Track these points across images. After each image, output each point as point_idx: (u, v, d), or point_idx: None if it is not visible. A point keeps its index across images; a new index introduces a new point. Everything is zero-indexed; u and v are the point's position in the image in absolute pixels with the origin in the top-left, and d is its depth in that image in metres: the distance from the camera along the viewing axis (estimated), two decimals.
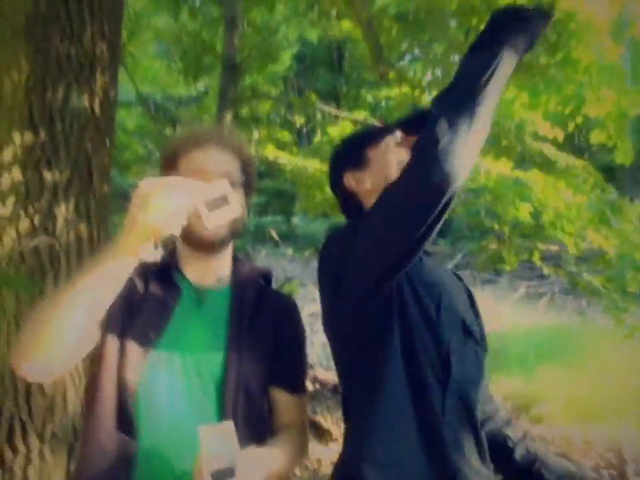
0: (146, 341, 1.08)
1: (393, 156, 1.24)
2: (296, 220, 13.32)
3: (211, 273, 1.21)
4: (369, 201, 1.21)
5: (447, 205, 1.01)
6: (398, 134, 1.26)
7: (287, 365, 1.21)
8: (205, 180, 1.13)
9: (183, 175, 1.14)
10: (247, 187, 1.23)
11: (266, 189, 13.22)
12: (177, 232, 0.92)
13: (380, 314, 1.08)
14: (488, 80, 1.00)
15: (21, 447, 2.14)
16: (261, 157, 4.84)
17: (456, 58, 3.86)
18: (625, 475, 3.49)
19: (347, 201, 1.30)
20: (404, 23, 3.58)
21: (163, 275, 1.17)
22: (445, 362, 1.10)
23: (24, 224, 2.10)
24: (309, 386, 4.91)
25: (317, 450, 3.67)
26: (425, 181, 0.98)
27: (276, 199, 13.81)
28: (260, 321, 1.18)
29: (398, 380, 1.07)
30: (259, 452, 1.01)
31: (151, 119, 6.17)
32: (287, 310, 1.28)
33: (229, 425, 0.94)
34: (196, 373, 1.10)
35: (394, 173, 1.20)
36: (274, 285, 1.36)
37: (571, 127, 3.08)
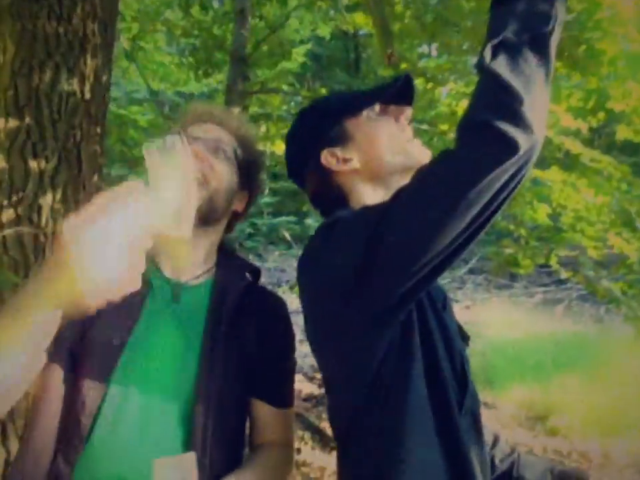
0: (109, 353, 0.93)
1: (379, 128, 1.05)
2: (309, 220, 13.20)
3: (189, 262, 1.06)
4: (357, 186, 1.03)
5: (519, 180, 0.81)
6: (376, 104, 1.07)
7: (271, 375, 1.06)
8: (194, 147, 1.02)
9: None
10: (247, 166, 1.12)
11: (279, 189, 13.12)
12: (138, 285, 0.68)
13: (400, 326, 0.90)
14: (552, 30, 0.82)
15: (0, 449, 2.02)
16: (271, 153, 4.71)
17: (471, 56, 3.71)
18: None
19: (323, 189, 1.07)
20: (419, 19, 3.44)
21: None
22: (460, 374, 0.95)
23: (7, 213, 1.98)
24: (315, 390, 4.76)
25: (320, 458, 3.53)
26: (499, 141, 0.76)
27: (289, 200, 13.71)
28: (242, 323, 1.03)
29: (421, 401, 0.90)
30: None
31: (161, 116, 6.07)
32: (275, 311, 1.12)
33: (189, 457, 0.80)
34: (163, 385, 0.95)
35: (385, 147, 1.04)
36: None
37: (594, 122, 2.91)
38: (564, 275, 3.93)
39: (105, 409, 0.91)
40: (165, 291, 1.03)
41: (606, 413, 4.20)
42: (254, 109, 5.70)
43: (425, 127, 3.99)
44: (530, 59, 0.80)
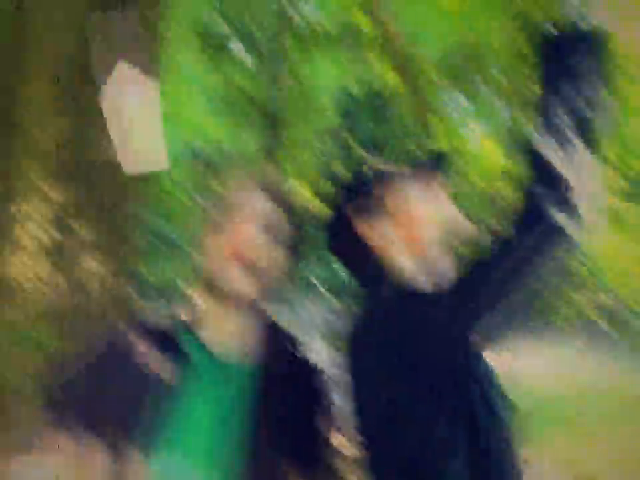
0: (145, 444, 0.92)
1: (417, 201, 1.06)
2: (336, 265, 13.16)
3: (234, 337, 1.04)
4: (394, 257, 1.03)
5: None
6: (417, 177, 1.07)
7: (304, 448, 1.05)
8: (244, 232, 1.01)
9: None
10: (292, 240, 1.09)
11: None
12: None
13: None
14: (598, 115, 0.85)
15: None
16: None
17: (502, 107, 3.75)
18: None
19: (360, 258, 1.08)
20: (444, 68, 3.50)
21: (169, 339, 1.00)
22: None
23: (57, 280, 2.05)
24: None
25: None
26: (550, 230, 0.81)
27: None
28: (288, 402, 1.02)
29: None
30: None
31: (197, 172, 6.28)
32: (311, 385, 1.10)
33: None
34: (204, 461, 0.95)
35: (421, 220, 1.05)
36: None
37: (631, 173, 2.88)
38: (603, 325, 3.84)
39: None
40: (207, 367, 1.00)
41: None
42: (286, 165, 5.84)
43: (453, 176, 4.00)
44: (578, 145, 0.82)
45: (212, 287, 1.02)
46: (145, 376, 0.96)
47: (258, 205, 1.06)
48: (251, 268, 1.00)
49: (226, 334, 1.03)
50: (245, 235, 1.02)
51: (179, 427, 0.94)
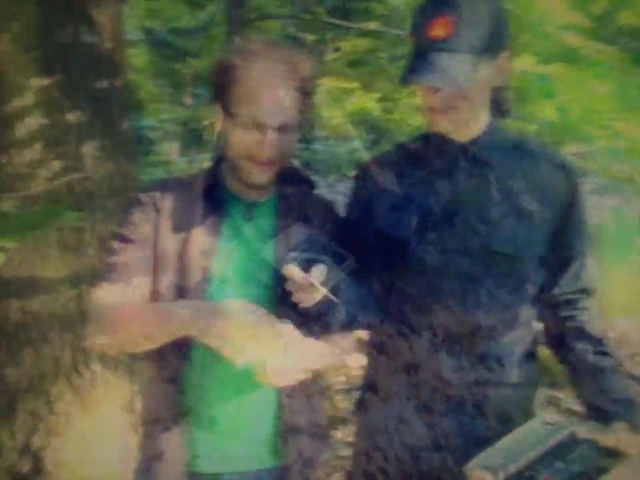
0: (203, 264, 1.17)
1: None
2: (317, 145, 13.13)
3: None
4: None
5: None
6: None
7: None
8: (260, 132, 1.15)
9: (238, 121, 1.16)
10: (304, 110, 1.24)
11: None
12: None
13: None
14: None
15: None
16: None
17: None
18: None
19: None
20: None
21: (209, 192, 1.22)
22: None
23: (54, 165, 2.13)
24: None
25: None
26: None
27: None
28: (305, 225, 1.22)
29: None
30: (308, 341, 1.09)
31: (159, 55, 6.05)
32: (329, 211, 1.33)
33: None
34: (249, 281, 1.19)
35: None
36: None
37: (595, 10, 2.89)
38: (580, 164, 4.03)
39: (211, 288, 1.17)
40: (239, 209, 1.24)
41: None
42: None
43: None
44: None
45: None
46: None
47: (278, 103, 1.18)
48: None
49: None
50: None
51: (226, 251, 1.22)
